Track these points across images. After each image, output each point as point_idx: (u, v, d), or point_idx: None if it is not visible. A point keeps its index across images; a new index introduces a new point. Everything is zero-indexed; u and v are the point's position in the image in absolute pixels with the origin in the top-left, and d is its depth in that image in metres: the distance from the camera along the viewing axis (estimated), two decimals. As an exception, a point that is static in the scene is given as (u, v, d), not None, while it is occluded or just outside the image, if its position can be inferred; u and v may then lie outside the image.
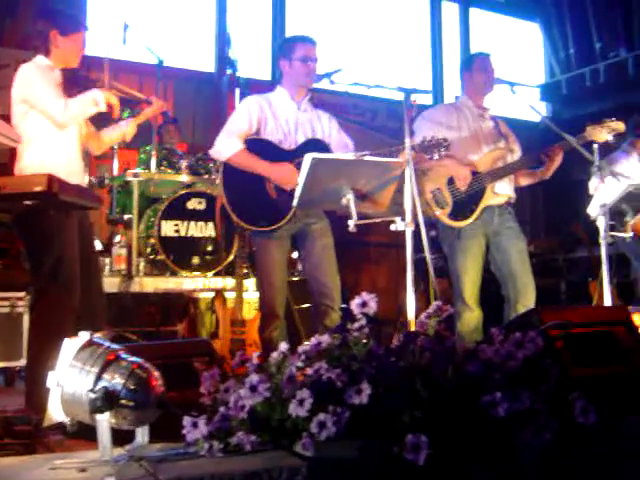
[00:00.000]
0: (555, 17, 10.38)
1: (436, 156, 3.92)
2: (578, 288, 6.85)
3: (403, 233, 3.26)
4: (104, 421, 2.11)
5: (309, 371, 2.09)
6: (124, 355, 2.24)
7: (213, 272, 5.67)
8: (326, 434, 1.94)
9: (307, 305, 5.28)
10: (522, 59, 10.54)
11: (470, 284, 4.35)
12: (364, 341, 2.14)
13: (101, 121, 4.01)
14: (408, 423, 1.98)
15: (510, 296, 4.38)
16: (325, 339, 2.17)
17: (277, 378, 2.16)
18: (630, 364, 2.74)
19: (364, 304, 2.21)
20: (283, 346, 2.31)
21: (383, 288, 7.98)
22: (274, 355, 2.24)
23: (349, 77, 3.83)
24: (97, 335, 2.27)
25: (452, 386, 2.05)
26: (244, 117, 4.09)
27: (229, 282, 5.56)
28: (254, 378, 2.07)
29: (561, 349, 2.48)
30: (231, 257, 5.69)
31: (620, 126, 4.50)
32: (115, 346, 2.27)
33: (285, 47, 4.21)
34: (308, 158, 3.13)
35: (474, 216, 4.37)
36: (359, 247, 8.17)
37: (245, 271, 5.43)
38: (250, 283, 5.50)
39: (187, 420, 2.16)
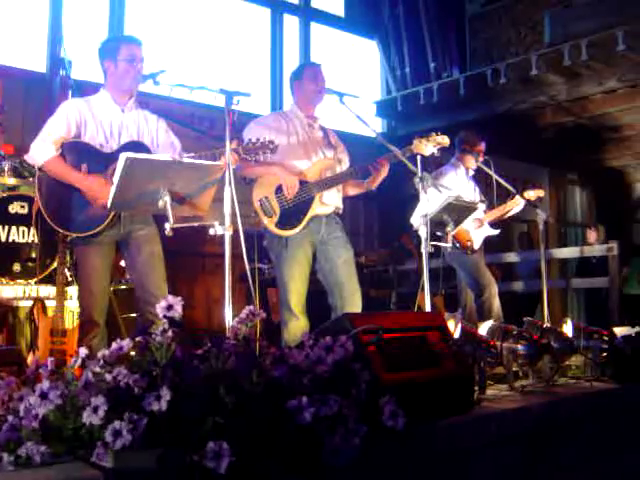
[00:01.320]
0: (392, 36, 10.68)
1: (261, 158, 3.89)
2: (408, 299, 7.00)
3: (239, 244, 3.22)
4: None
5: (108, 377, 1.98)
6: None
7: (35, 280, 5.40)
8: (121, 443, 1.84)
9: (135, 315, 5.14)
10: (360, 75, 10.75)
11: (296, 293, 4.34)
12: (167, 346, 2.05)
13: None
14: (210, 430, 1.90)
15: (337, 305, 4.40)
16: (126, 343, 2.07)
17: (74, 385, 2.03)
18: (442, 369, 2.79)
19: (169, 307, 2.13)
20: (100, 354, 2.19)
21: (217, 299, 7.88)
22: (72, 360, 2.13)
23: (177, 80, 3.73)
24: None
25: (257, 391, 2.00)
26: (61, 122, 3.90)
27: (52, 290, 5.31)
28: (45, 385, 1.94)
29: (372, 354, 2.48)
30: (55, 265, 5.43)
31: (445, 140, 4.63)
32: None
33: (109, 47, 4.03)
34: (122, 158, 3.02)
35: (302, 225, 4.37)
36: (194, 257, 8.06)
37: (70, 279, 5.22)
38: (74, 291, 5.27)
39: (-27, 433, 2.00)
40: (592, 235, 9.86)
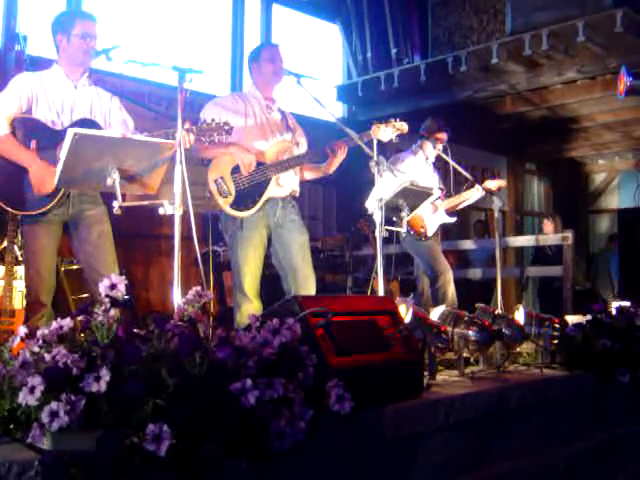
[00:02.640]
0: (354, 21, 10.64)
1: (215, 139, 3.83)
2: (364, 284, 7.00)
3: (194, 225, 3.18)
4: None
5: (47, 357, 1.93)
6: None
7: (-17, 259, 5.29)
8: (58, 424, 1.79)
9: (86, 295, 5.06)
10: (322, 59, 10.70)
11: (250, 275, 4.30)
12: (109, 326, 2.00)
13: None
14: (150, 412, 1.86)
15: (290, 289, 4.37)
16: (67, 322, 2.01)
17: (10, 364, 1.98)
18: (391, 353, 2.77)
19: (113, 287, 2.08)
20: (39, 333, 2.13)
21: (173, 281, 7.80)
22: (10, 340, 2.07)
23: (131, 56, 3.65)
24: None
25: (200, 373, 1.96)
26: (12, 97, 3.80)
27: (0, 270, 5.20)
28: (-21, 364, 1.89)
29: (321, 337, 2.45)
30: (4, 244, 5.32)
31: (404, 127, 4.62)
32: None
33: (63, 22, 3.94)
34: (70, 133, 2.94)
35: (257, 207, 4.32)
36: (149, 239, 7.98)
37: (20, 258, 5.11)
38: (22, 271, 5.16)
39: None
40: (548, 226, 9.87)
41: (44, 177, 3.64)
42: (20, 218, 4.03)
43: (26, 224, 3.86)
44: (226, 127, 3.88)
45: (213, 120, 3.88)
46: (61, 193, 3.68)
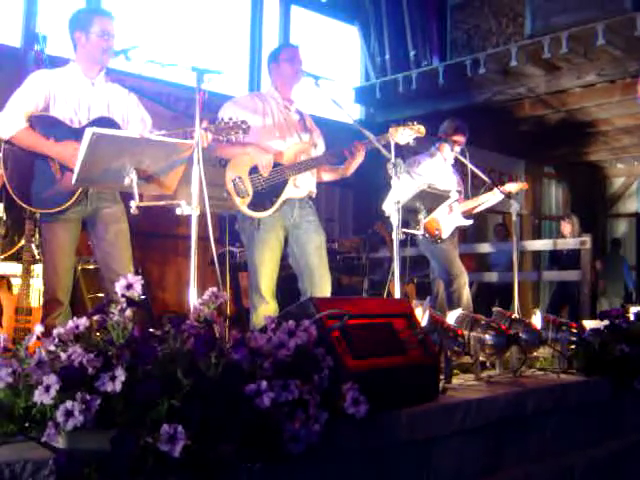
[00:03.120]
0: (373, 23, 10.64)
1: (233, 138, 3.83)
2: (380, 286, 6.98)
3: (211, 226, 3.18)
4: None
5: (63, 356, 1.93)
6: None
7: (1, 257, 5.32)
8: (73, 423, 1.79)
9: (102, 294, 5.07)
10: (340, 60, 10.70)
11: (266, 276, 4.30)
12: (124, 326, 2.00)
13: None
14: (165, 412, 1.86)
15: (306, 289, 4.36)
16: (83, 322, 2.01)
17: (27, 363, 1.98)
18: (408, 357, 2.75)
19: (129, 286, 2.07)
20: (55, 332, 2.13)
21: (189, 281, 7.82)
22: (27, 338, 2.07)
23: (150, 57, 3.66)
24: None
25: (215, 374, 1.95)
26: (30, 94, 3.80)
27: (18, 268, 5.23)
28: (-4, 362, 1.89)
29: (337, 339, 2.44)
30: (22, 242, 5.35)
31: (421, 130, 4.59)
32: None
33: (81, 19, 3.94)
34: (88, 133, 2.95)
35: (274, 207, 4.32)
36: (166, 239, 8.00)
37: (37, 257, 5.13)
38: (40, 269, 5.19)
39: None
40: (566, 227, 9.86)
41: (70, 154, 3.62)
42: (39, 216, 4.04)
43: (44, 222, 3.87)
44: (244, 126, 3.87)
45: (230, 119, 3.88)
46: (80, 191, 3.69)
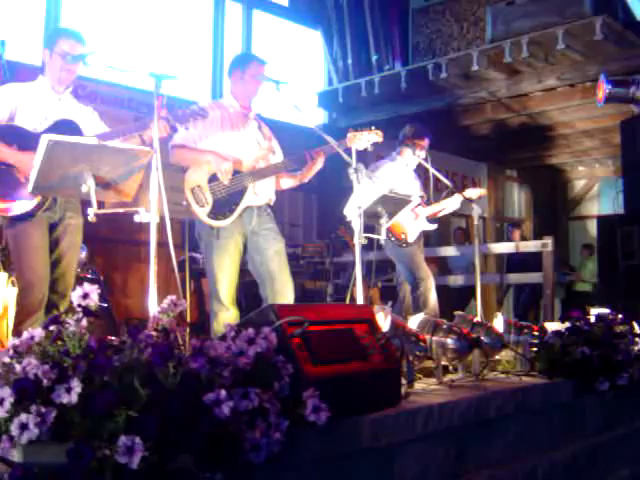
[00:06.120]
0: (335, 27, 10.66)
1: (191, 123, 3.85)
2: (344, 291, 6.99)
3: (172, 232, 3.15)
4: None
5: (17, 368, 1.90)
6: None
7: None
8: (28, 437, 1.76)
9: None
10: (303, 65, 10.70)
11: (226, 283, 4.28)
12: (82, 336, 1.97)
13: None
14: (122, 424, 1.83)
15: (268, 296, 4.34)
16: (38, 332, 1.98)
17: (-19, 376, 1.94)
18: (369, 362, 2.75)
19: (85, 296, 2.04)
20: (10, 343, 2.09)
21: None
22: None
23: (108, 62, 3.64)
24: None
25: (173, 384, 1.93)
26: None
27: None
28: (-53, 375, 1.85)
29: (297, 346, 2.42)
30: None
31: (379, 135, 4.60)
32: None
33: (50, 37, 4.09)
34: (44, 140, 2.91)
35: (234, 216, 4.30)
36: (129, 246, 7.93)
37: (-1, 264, 5.06)
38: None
39: None
40: (516, 233, 10.88)
41: (30, 163, 3.57)
42: (6, 225, 3.96)
43: (17, 225, 3.79)
44: (201, 112, 3.88)
45: (188, 107, 3.88)
46: (50, 199, 3.68)
